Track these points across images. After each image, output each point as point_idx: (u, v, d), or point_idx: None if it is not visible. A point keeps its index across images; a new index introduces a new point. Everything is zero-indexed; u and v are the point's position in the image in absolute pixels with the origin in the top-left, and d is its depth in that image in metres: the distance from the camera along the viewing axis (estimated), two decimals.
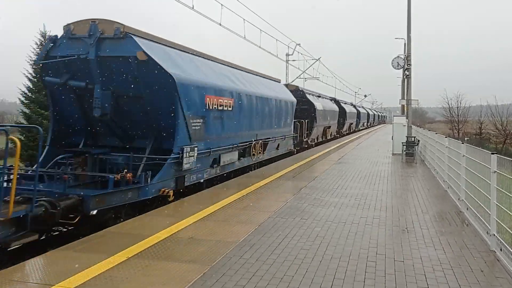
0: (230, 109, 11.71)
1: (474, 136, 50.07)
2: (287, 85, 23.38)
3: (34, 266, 4.89)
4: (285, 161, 16.28)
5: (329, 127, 30.29)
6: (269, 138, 15.63)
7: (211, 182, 10.99)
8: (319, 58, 41.55)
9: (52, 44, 8.97)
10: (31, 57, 21.69)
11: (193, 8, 14.97)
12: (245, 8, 19.76)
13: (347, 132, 41.43)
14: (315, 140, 25.94)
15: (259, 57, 42.10)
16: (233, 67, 13.82)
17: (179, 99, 8.88)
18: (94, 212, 7.17)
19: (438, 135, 13.56)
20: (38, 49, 20.98)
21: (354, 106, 51.22)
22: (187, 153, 9.18)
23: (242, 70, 14.67)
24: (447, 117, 63.76)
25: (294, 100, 19.59)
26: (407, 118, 19.58)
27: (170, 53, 9.75)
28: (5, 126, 6.29)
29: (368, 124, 69.19)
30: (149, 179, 8.21)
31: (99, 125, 9.42)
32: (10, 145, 5.91)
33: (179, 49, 10.43)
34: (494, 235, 5.70)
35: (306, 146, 23.25)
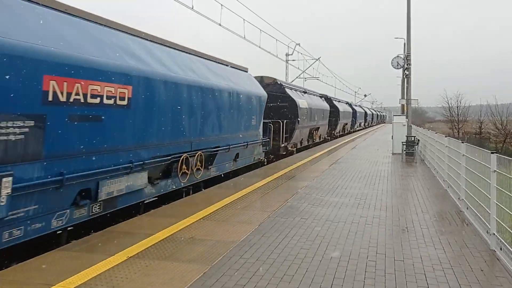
0: (124, 103, 7.22)
1: (474, 135, 50.15)
2: (262, 78, 18.97)
3: (34, 266, 4.89)
4: (233, 184, 10.64)
5: (317, 128, 25.86)
6: (219, 147, 11.13)
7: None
8: (318, 58, 41.66)
9: None
10: None
11: (192, 8, 14.99)
12: (245, 8, 19.80)
13: (340, 134, 37.16)
14: (298, 144, 21.37)
15: (258, 57, 42.16)
16: (153, 42, 9.12)
17: None
18: None
19: (438, 134, 13.56)
20: None
21: (350, 105, 46.84)
22: None
23: (177, 49, 10.19)
24: (447, 116, 63.88)
25: (264, 94, 15.08)
26: (407, 117, 19.60)
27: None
28: None
29: (366, 124, 64.86)
30: None
31: None
32: None
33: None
34: (494, 234, 5.71)
35: (285, 153, 18.82)
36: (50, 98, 5.76)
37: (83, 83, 6.29)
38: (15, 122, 5.30)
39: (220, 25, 18.07)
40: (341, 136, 36.56)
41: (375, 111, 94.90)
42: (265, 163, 15.37)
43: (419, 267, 5.07)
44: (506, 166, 5.61)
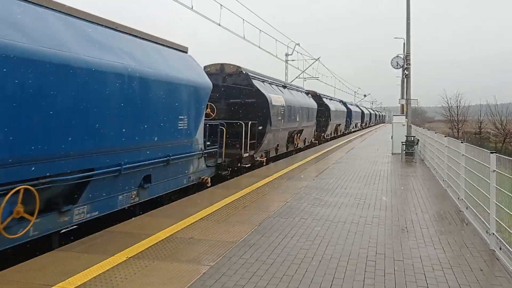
0: None
1: (473, 135, 50.18)
2: (223, 65, 14.77)
3: (34, 266, 4.89)
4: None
5: (300, 131, 20.67)
6: (93, 170, 6.56)
7: None
8: (318, 58, 41.64)
9: None
10: None
11: (192, 8, 15.00)
12: (245, 8, 19.82)
13: (332, 136, 32.49)
14: (272, 152, 16.57)
15: (258, 57, 42.15)
16: None
17: None
18: None
19: (438, 134, 13.57)
20: None
21: (344, 103, 41.92)
22: None
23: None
24: (447, 116, 63.93)
25: (207, 84, 10.54)
26: (406, 117, 19.60)
27: None
28: None
29: (363, 124, 60.13)
30: None
31: None
32: None
33: None
34: (493, 234, 5.72)
35: (249, 165, 14.07)
36: None
37: None
38: None
39: (219, 25, 18.09)
40: (333, 138, 32.26)
41: (373, 110, 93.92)
42: (209, 184, 10.70)
43: (419, 267, 5.08)
44: (506, 166, 5.62)
